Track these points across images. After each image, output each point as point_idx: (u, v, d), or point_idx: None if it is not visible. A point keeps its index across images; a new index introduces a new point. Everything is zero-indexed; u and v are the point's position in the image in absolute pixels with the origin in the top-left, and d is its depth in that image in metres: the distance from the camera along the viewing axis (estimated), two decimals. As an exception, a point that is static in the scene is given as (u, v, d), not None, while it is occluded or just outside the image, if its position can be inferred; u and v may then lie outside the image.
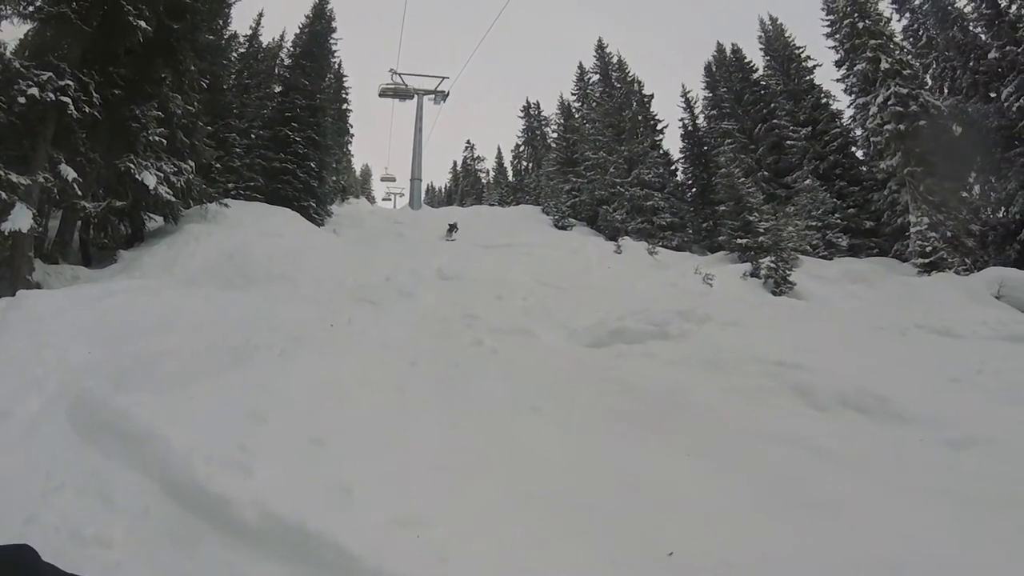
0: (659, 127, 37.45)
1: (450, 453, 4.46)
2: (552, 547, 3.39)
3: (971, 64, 25.46)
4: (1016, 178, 22.53)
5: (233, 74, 28.10)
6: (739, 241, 24.32)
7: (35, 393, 4.98)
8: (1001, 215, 23.38)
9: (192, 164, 17.42)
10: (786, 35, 34.07)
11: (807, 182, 28.10)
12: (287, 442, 4.22)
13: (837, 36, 28.02)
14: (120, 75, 13.90)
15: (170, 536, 3.31)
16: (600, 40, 42.84)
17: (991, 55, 24.06)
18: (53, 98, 11.75)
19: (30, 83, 11.54)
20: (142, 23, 12.84)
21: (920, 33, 28.49)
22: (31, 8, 12.45)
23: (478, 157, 61.62)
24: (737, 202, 25.82)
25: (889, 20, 27.07)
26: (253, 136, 25.94)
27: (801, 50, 33.20)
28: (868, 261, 23.98)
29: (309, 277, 13.92)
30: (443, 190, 73.77)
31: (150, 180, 14.81)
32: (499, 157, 59.69)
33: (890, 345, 9.00)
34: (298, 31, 31.12)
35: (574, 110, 43.54)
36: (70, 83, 12.05)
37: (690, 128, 37.18)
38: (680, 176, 37.02)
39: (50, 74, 11.81)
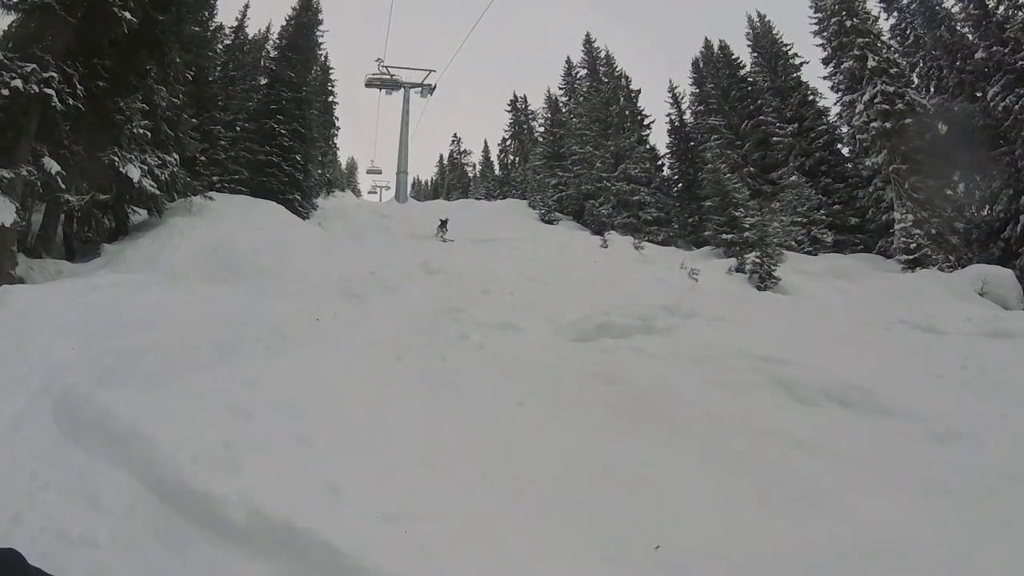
0: (646, 122, 37.62)
1: (437, 448, 4.46)
2: (539, 541, 3.42)
3: (958, 64, 25.70)
4: (1000, 177, 22.81)
5: (219, 66, 27.86)
6: (725, 236, 24.44)
7: (19, 391, 4.92)
8: (985, 213, 23.68)
9: (177, 157, 17.30)
10: (773, 32, 34.24)
11: (793, 178, 28.30)
12: (273, 439, 4.20)
13: (825, 34, 28.18)
14: (105, 67, 13.76)
15: (157, 535, 3.29)
16: (588, 35, 42.91)
17: (978, 55, 24.29)
18: (37, 90, 11.63)
19: (13, 75, 11.42)
20: (127, 14, 12.72)
21: (907, 32, 28.70)
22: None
23: (465, 151, 61.69)
24: (723, 198, 25.92)
25: (877, 19, 27.32)
26: (238, 128, 25.78)
27: (788, 47, 33.41)
28: (853, 257, 24.18)
29: (294, 271, 13.86)
30: (429, 183, 73.67)
31: (134, 173, 14.70)
32: (486, 151, 59.75)
33: (874, 340, 9.07)
34: (284, 23, 30.98)
35: (561, 104, 43.63)
36: (54, 75, 11.93)
37: (677, 123, 37.33)
38: (666, 171, 37.21)
39: (34, 66, 11.68)
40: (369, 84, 48.74)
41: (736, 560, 3.32)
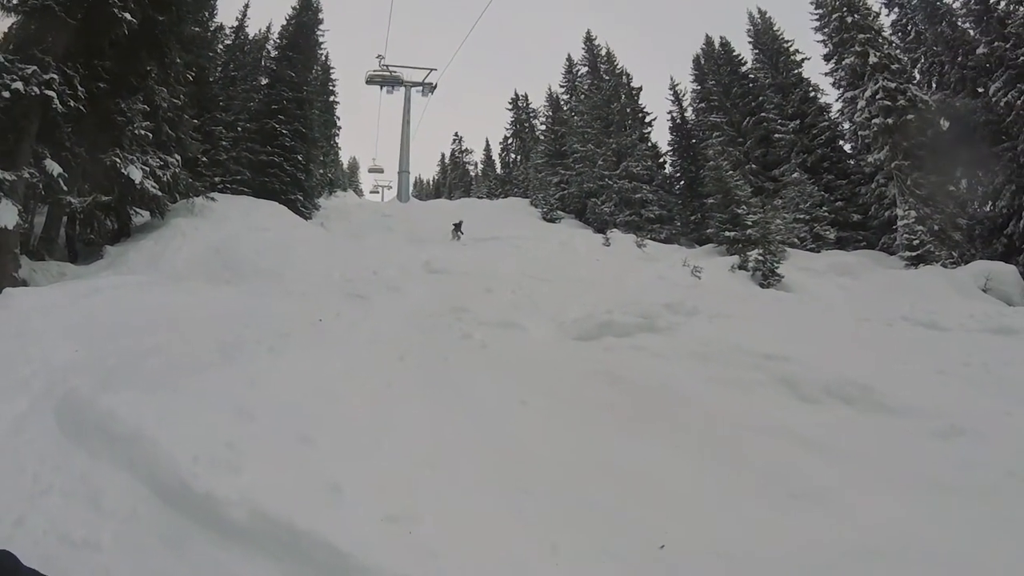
0: (647, 120, 37.60)
1: (440, 448, 4.46)
2: (544, 541, 3.40)
3: (959, 59, 25.64)
4: (1003, 173, 22.79)
5: (219, 66, 27.96)
6: (727, 234, 24.45)
7: (22, 393, 4.93)
8: (988, 209, 23.65)
9: (178, 158, 17.35)
10: (774, 28, 34.22)
11: (795, 175, 28.28)
12: (276, 439, 4.20)
13: (826, 30, 28.15)
14: (105, 68, 13.78)
15: (159, 537, 3.29)
16: (589, 32, 42.91)
17: (979, 50, 24.24)
18: (38, 92, 11.64)
19: (14, 77, 11.42)
20: (127, 15, 12.72)
21: (909, 28, 28.64)
22: (15, 1, 12.29)
23: (466, 150, 61.82)
24: (725, 195, 25.92)
25: (878, 15, 27.34)
26: (239, 129, 25.82)
27: (790, 44, 33.41)
28: (855, 254, 24.17)
29: (297, 271, 13.86)
30: (431, 183, 73.71)
31: (136, 174, 14.73)
32: (487, 150, 59.78)
33: (877, 337, 9.04)
34: (284, 22, 31.03)
35: (562, 102, 43.64)
36: (55, 77, 11.94)
37: (678, 121, 37.33)
38: (668, 169, 37.21)
39: (34, 68, 11.69)
40: (370, 81, 48.82)
41: (740, 558, 3.31)
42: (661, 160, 36.94)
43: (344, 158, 60.36)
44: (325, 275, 13.58)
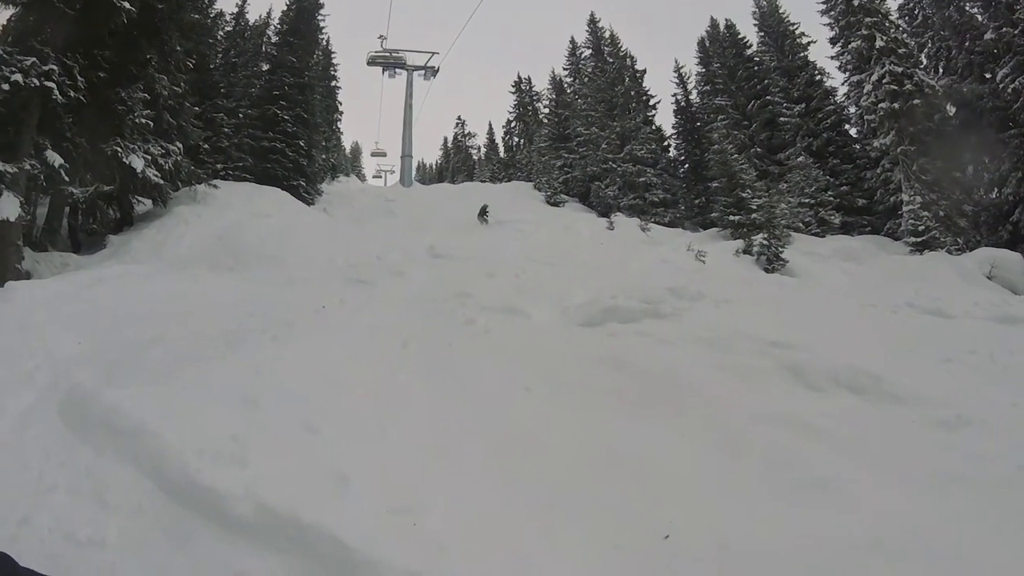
0: (652, 103, 37.20)
1: (445, 437, 4.45)
2: (551, 531, 3.40)
3: (967, 44, 25.30)
4: (1009, 159, 22.59)
5: (220, 53, 27.77)
6: (732, 218, 24.31)
7: (26, 388, 4.94)
8: (994, 196, 23.44)
9: (180, 145, 17.29)
10: (780, 11, 33.75)
11: (800, 159, 28.05)
12: (280, 431, 4.20)
13: (832, 13, 27.76)
14: (105, 58, 13.67)
15: (164, 533, 3.29)
16: (592, 14, 42.40)
17: (987, 36, 23.88)
18: (37, 83, 11.55)
19: (13, 69, 11.34)
20: (126, 3, 12.57)
21: (916, 12, 28.26)
22: (13, -8, 12.19)
23: (469, 133, 61.49)
24: (730, 179, 25.75)
25: (885, -1, 26.88)
26: (241, 115, 25.72)
27: (795, 26, 32.94)
28: (860, 239, 24.02)
29: (300, 257, 13.83)
30: (434, 167, 73.50)
31: (138, 163, 14.69)
32: (490, 133, 59.46)
33: (882, 324, 9.03)
34: (285, 7, 30.79)
35: (566, 85, 43.33)
36: (54, 68, 11.85)
37: (683, 104, 37.00)
38: (672, 152, 36.89)
39: (33, 59, 11.59)
40: (372, 63, 48.55)
41: (744, 549, 3.31)
42: (665, 143, 36.62)
43: (346, 143, 60.45)
44: (328, 261, 13.56)
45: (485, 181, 45.68)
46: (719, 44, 36.09)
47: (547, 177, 33.78)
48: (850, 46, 26.48)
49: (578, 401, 5.46)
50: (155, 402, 4.40)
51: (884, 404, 5.47)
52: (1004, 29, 23.05)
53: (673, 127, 37.06)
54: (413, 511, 3.39)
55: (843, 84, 28.79)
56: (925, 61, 27.20)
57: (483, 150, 59.79)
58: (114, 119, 14.45)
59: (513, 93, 51.51)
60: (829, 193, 26.74)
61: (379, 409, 4.80)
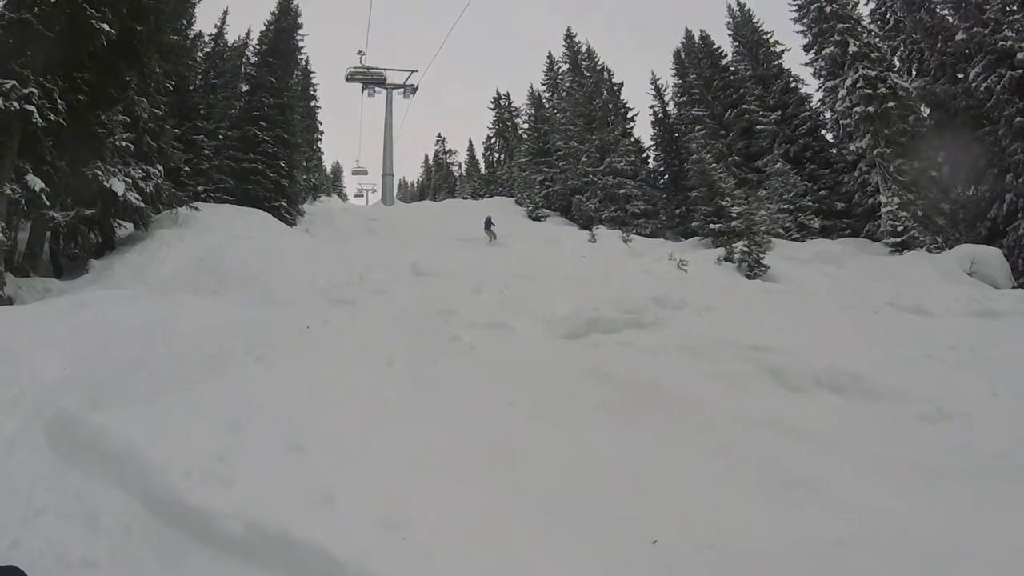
0: (630, 115, 37.67)
1: (431, 453, 4.47)
2: (538, 540, 3.43)
3: (939, 46, 25.78)
4: (984, 157, 22.99)
5: (199, 74, 27.81)
6: (712, 226, 24.55)
7: (11, 413, 4.92)
8: (971, 193, 23.82)
9: (160, 168, 17.24)
10: (754, 20, 34.31)
11: (778, 166, 28.39)
12: (267, 450, 4.20)
13: (805, 20, 28.22)
14: (85, 80, 13.66)
15: (154, 553, 3.30)
16: (569, 29, 42.96)
17: (958, 36, 24.35)
18: (17, 107, 11.53)
19: (-7, 93, 11.32)
20: (105, 26, 12.62)
21: (887, 16, 28.80)
22: (-9, 16, 12.16)
23: (450, 150, 61.62)
24: (709, 188, 26.04)
25: (856, 4, 27.42)
26: (221, 137, 25.68)
27: (769, 35, 33.50)
28: (840, 242, 24.31)
29: (283, 279, 13.78)
30: (415, 185, 73.51)
31: (118, 186, 14.63)
32: (471, 150, 59.83)
33: (863, 324, 9.13)
34: (264, 28, 30.98)
35: (544, 100, 43.64)
36: (34, 91, 11.83)
37: (660, 115, 37.45)
38: (652, 163, 37.33)
39: (13, 82, 11.57)
40: (351, 79, 48.59)
41: (732, 550, 3.35)
42: (644, 155, 37.02)
43: (327, 162, 60.28)
44: (311, 281, 13.53)
45: (467, 198, 45.74)
46: (695, 55, 36.56)
47: (528, 192, 33.94)
48: (824, 52, 26.90)
49: (562, 413, 5.50)
50: (142, 425, 4.40)
51: (866, 402, 5.56)
52: (975, 29, 23.50)
53: (652, 139, 37.63)
54: (401, 525, 3.42)
55: (818, 90, 29.27)
56: (898, 64, 27.70)
57: (464, 167, 60.04)
58: (94, 142, 14.41)
59: (492, 109, 51.81)
60: (808, 198, 27.06)
61: (364, 427, 4.81)
